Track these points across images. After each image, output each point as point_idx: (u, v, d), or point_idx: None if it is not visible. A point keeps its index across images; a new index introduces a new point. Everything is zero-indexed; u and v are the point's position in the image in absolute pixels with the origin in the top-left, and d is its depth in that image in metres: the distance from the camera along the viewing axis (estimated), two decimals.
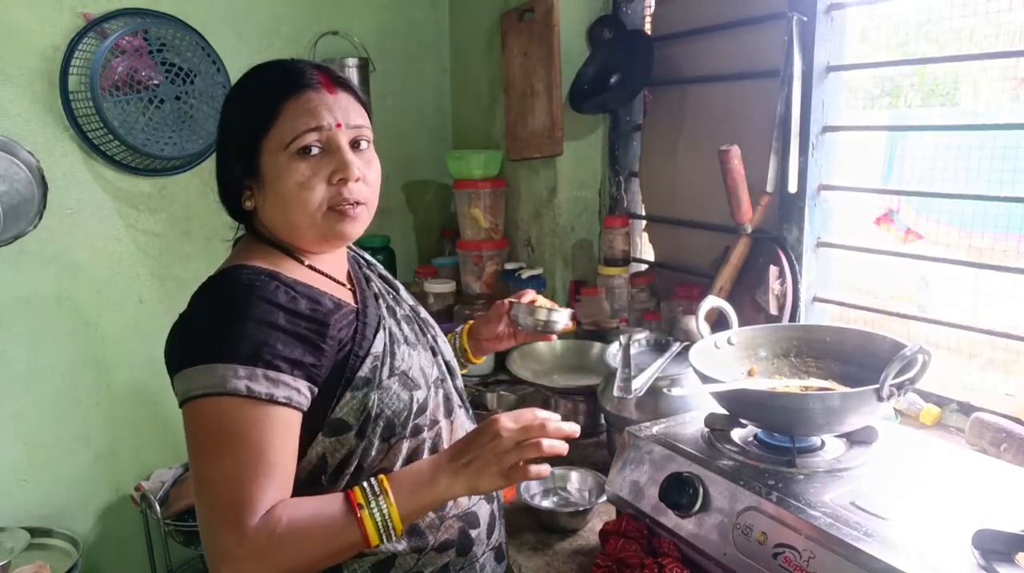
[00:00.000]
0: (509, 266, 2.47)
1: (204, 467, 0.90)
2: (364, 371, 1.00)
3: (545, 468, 0.98)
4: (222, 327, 0.92)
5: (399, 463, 1.03)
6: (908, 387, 1.08)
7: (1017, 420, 1.38)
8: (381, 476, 0.96)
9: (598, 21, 2.20)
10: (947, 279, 1.63)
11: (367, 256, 1.27)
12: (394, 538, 0.93)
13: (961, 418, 1.48)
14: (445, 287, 2.54)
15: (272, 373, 0.90)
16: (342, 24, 2.57)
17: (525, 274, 2.37)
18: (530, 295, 1.37)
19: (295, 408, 0.93)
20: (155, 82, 2.17)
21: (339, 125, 0.98)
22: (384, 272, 1.27)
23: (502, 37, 2.46)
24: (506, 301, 1.37)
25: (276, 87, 0.99)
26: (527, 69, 2.34)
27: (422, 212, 2.88)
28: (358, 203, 1.01)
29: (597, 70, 2.15)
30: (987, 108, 1.57)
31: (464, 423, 1.17)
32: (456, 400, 1.17)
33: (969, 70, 1.58)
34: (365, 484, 0.94)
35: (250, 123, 0.99)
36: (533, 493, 1.49)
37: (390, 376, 1.02)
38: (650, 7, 2.14)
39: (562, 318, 1.33)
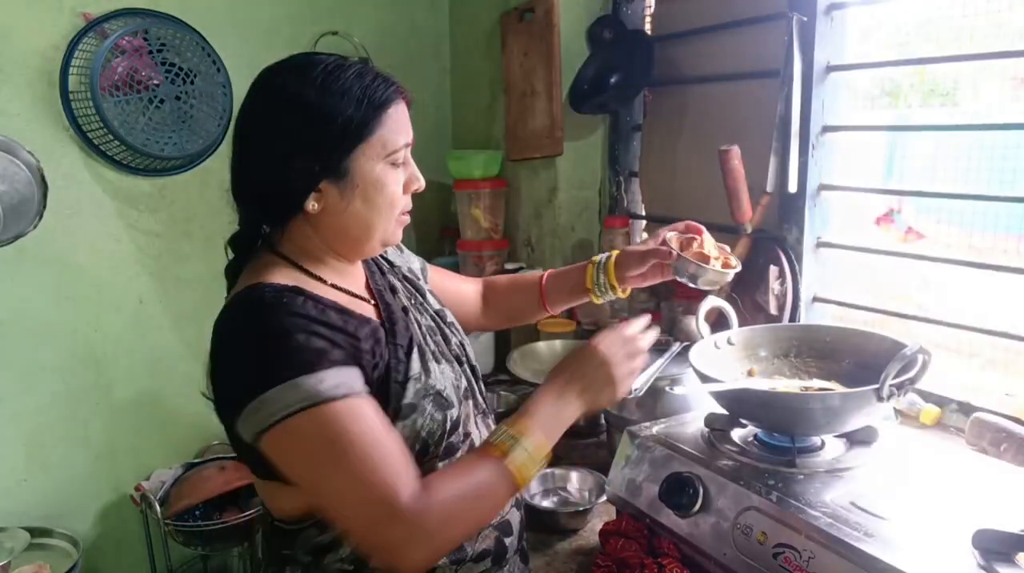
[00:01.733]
0: (509, 266, 2.48)
1: (330, 480, 0.87)
2: (408, 397, 0.99)
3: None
4: (275, 347, 0.89)
5: None
6: (908, 387, 1.08)
7: (1017, 420, 1.38)
8: (514, 422, 0.96)
9: (598, 21, 2.20)
10: (947, 279, 1.62)
11: (390, 258, 1.23)
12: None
13: (961, 418, 1.48)
14: None
15: (340, 369, 0.90)
16: (342, 24, 2.56)
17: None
18: (704, 242, 1.26)
19: (367, 396, 0.93)
20: (155, 82, 2.17)
21: (412, 142, 1.03)
22: (408, 273, 1.23)
23: (502, 37, 2.46)
24: (671, 244, 1.25)
25: (379, 93, 0.97)
26: (527, 69, 2.34)
27: (422, 212, 2.88)
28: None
29: (597, 70, 2.15)
30: (987, 108, 1.57)
31: (490, 425, 1.16)
32: (482, 403, 1.16)
33: (969, 70, 1.58)
34: (502, 431, 0.95)
35: (350, 124, 0.95)
36: (533, 493, 1.49)
37: (424, 397, 1.01)
38: (650, 7, 2.14)
39: (725, 278, 1.26)
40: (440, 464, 1.02)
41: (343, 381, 0.89)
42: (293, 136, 0.95)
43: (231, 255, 1.08)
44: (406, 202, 1.05)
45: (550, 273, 1.39)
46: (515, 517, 1.13)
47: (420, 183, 1.05)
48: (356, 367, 0.93)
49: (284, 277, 0.98)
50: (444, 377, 1.06)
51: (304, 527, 1.00)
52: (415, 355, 1.03)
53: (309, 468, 0.89)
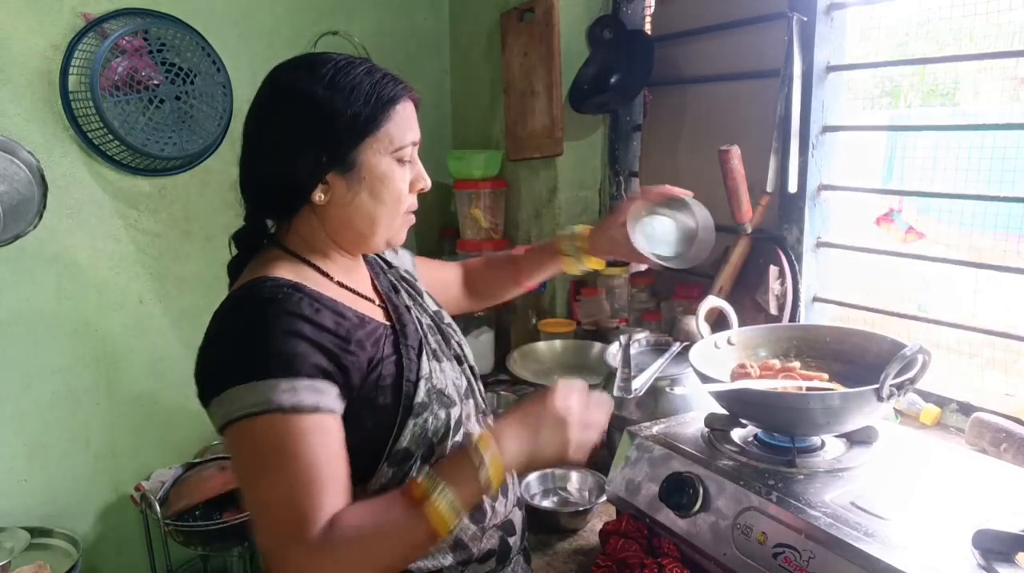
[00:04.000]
0: None
1: (258, 489, 0.89)
2: (420, 396, 0.99)
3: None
4: (252, 345, 0.90)
5: None
6: (908, 387, 1.08)
7: (1017, 420, 1.38)
8: (441, 469, 0.92)
9: (598, 21, 2.20)
10: (947, 279, 1.62)
11: (387, 258, 1.24)
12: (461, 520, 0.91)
13: (961, 418, 1.48)
14: None
15: (308, 381, 0.89)
16: (342, 24, 2.56)
17: None
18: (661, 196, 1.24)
19: (335, 413, 0.92)
20: (155, 82, 2.17)
21: (419, 141, 1.05)
22: (405, 274, 1.23)
23: (502, 37, 2.46)
24: (629, 206, 1.24)
25: (388, 89, 0.99)
26: (527, 69, 2.34)
27: (422, 212, 2.83)
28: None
29: (597, 70, 2.15)
30: (987, 108, 1.57)
31: (490, 424, 1.16)
32: (481, 402, 1.16)
33: (969, 70, 1.58)
34: (429, 475, 0.90)
35: (359, 118, 0.97)
36: (533, 493, 1.49)
37: (432, 395, 1.02)
38: (650, 7, 2.14)
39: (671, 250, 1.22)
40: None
41: (307, 395, 0.88)
42: (302, 128, 0.96)
43: (235, 251, 1.08)
44: (412, 201, 1.07)
45: (523, 247, 1.45)
46: (517, 516, 1.13)
47: (426, 183, 1.07)
48: (330, 381, 0.91)
49: (288, 271, 0.99)
50: (445, 376, 1.06)
51: None
52: (425, 354, 1.04)
53: (246, 471, 0.90)
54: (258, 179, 1.01)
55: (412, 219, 1.08)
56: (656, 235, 1.28)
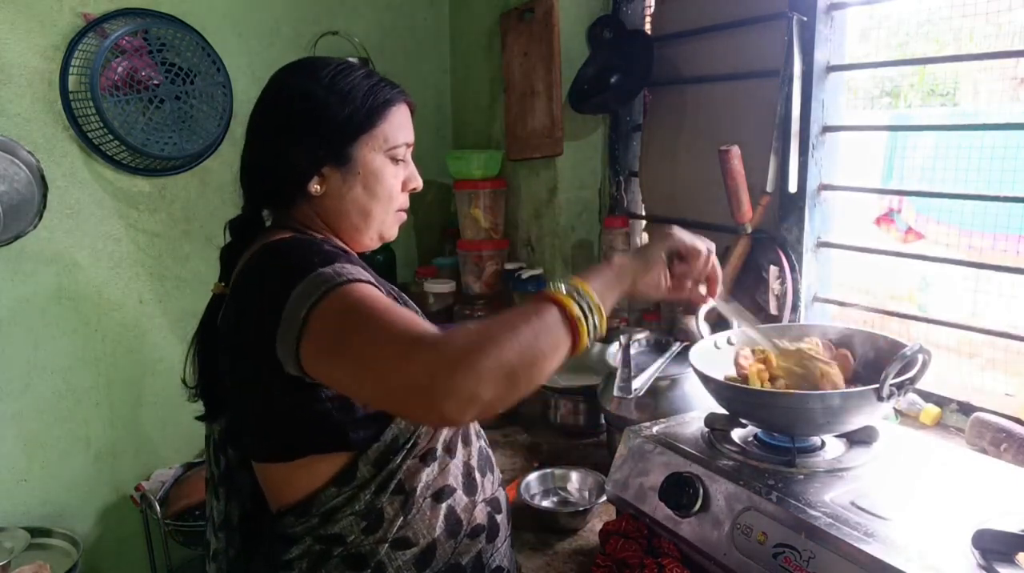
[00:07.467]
0: (509, 266, 2.47)
1: (360, 338, 0.87)
2: None
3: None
4: (300, 256, 0.95)
5: (438, 446, 1.04)
6: (908, 387, 1.08)
7: (1017, 420, 1.38)
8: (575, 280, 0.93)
9: (598, 21, 2.20)
10: (947, 279, 1.63)
11: None
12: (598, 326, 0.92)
13: (961, 418, 1.48)
14: (445, 287, 2.54)
15: (360, 271, 0.94)
16: (342, 24, 2.57)
17: (525, 274, 2.37)
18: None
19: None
20: (155, 82, 2.17)
21: (412, 144, 1.11)
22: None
23: (502, 37, 2.46)
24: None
25: (385, 92, 1.06)
26: (527, 69, 2.34)
27: (422, 212, 2.88)
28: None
29: (597, 70, 2.15)
30: (987, 108, 1.57)
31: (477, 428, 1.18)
32: None
33: (969, 70, 1.58)
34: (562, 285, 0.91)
35: (356, 115, 1.03)
36: (533, 493, 1.50)
37: None
38: (650, 7, 2.14)
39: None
40: (426, 469, 1.02)
41: (359, 274, 0.93)
42: (301, 123, 1.03)
43: (229, 239, 1.11)
44: (403, 199, 1.12)
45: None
46: (502, 496, 1.16)
47: (418, 183, 1.12)
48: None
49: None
50: None
51: (311, 523, 1.00)
52: None
53: (340, 336, 0.88)
54: (259, 168, 1.07)
55: (403, 217, 1.14)
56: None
